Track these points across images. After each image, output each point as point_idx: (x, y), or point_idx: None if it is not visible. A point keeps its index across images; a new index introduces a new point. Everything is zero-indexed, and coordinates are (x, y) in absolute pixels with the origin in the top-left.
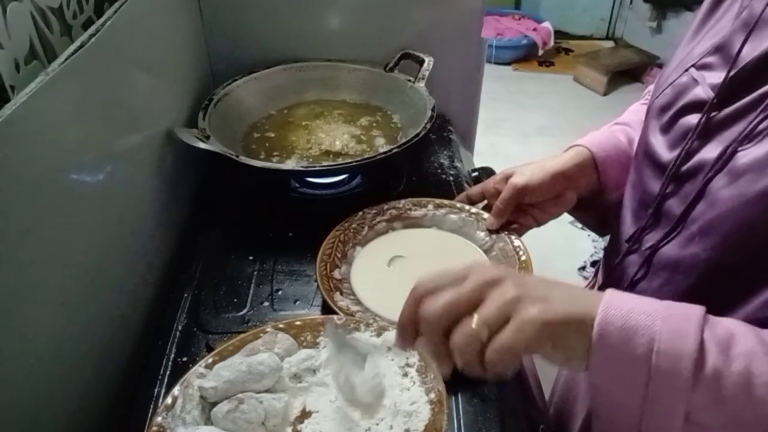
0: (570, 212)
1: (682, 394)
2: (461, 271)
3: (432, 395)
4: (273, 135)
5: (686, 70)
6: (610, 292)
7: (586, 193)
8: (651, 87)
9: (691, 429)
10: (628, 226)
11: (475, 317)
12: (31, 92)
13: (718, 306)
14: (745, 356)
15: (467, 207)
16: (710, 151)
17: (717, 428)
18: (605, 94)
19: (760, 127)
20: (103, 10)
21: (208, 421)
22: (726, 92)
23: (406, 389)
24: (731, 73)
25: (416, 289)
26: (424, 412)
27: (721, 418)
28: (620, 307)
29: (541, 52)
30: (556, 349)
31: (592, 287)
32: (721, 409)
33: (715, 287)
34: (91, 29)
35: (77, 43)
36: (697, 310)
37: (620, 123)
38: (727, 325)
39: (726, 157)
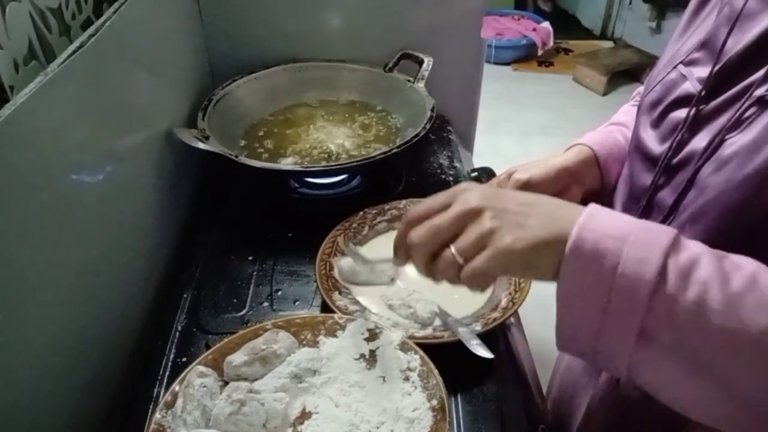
0: None
1: (637, 315)
2: (447, 197)
3: (434, 402)
4: (273, 135)
5: (675, 66)
6: (590, 210)
7: (589, 190)
8: (641, 89)
9: (644, 345)
10: None
11: (453, 248)
12: (31, 92)
13: None
14: (702, 284)
15: None
16: (700, 142)
17: (668, 347)
18: (605, 94)
19: (745, 115)
20: (102, 10)
21: (209, 422)
22: (712, 85)
23: (408, 394)
24: (717, 67)
25: (407, 215)
26: (426, 419)
27: (673, 338)
28: (593, 229)
29: (540, 52)
30: (526, 270)
31: None
32: (674, 331)
33: None
34: (91, 29)
35: (76, 44)
36: (665, 236)
37: (615, 123)
38: (694, 251)
39: (714, 146)
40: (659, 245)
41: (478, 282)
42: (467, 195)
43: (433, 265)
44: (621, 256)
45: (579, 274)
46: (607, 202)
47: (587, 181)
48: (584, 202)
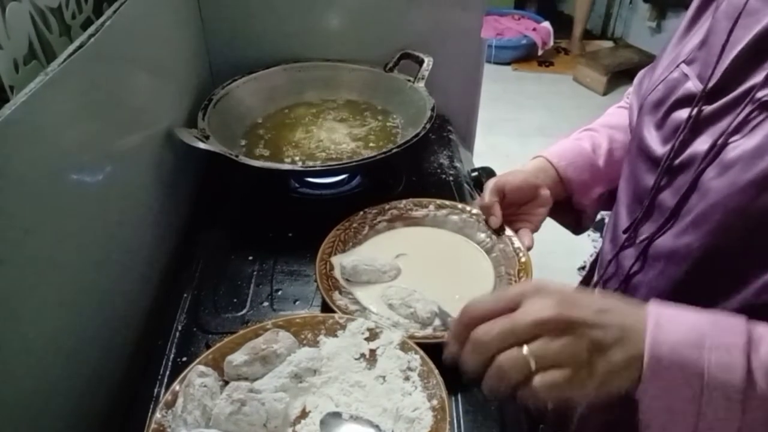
0: (549, 215)
1: (732, 422)
2: (513, 298)
3: (434, 401)
4: (273, 135)
5: (677, 66)
6: (655, 316)
7: (556, 195)
8: (630, 89)
9: None
10: (623, 221)
11: (527, 348)
12: (31, 92)
13: (714, 292)
14: None
15: (468, 208)
16: (701, 144)
17: None
18: (605, 94)
19: (748, 119)
20: (102, 10)
21: (210, 421)
22: (714, 84)
23: (408, 394)
24: (719, 65)
25: (469, 310)
26: (426, 419)
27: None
28: (665, 341)
29: (540, 52)
30: (601, 391)
31: (587, 284)
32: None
33: (709, 275)
34: (91, 29)
35: (76, 44)
36: (740, 334)
37: (588, 129)
38: None
39: (717, 150)
40: (737, 346)
41: (548, 398)
42: (542, 302)
43: (491, 363)
44: (704, 366)
45: (662, 390)
46: (581, 207)
47: (552, 188)
48: (557, 205)
